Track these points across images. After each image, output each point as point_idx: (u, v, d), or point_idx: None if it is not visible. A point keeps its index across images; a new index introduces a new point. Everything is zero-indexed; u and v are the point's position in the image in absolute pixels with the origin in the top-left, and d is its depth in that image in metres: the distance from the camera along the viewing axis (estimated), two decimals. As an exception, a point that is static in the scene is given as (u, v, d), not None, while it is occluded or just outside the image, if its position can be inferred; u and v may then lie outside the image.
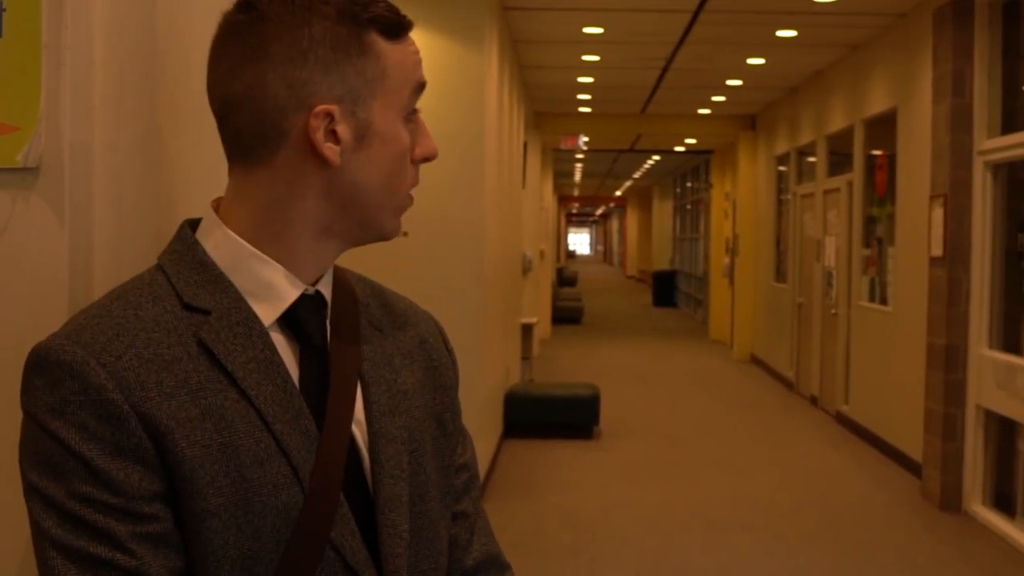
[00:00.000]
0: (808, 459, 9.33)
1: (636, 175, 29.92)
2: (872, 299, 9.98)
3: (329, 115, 1.25)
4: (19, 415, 1.19)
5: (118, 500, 1.13)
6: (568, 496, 7.89)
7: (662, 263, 31.19)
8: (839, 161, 11.38)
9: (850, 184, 10.64)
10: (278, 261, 1.29)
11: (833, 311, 11.14)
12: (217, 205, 1.32)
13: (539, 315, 15.79)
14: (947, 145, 7.46)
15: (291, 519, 1.22)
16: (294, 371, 1.29)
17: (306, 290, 1.31)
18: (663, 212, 32.21)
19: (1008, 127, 7.22)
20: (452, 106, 7.12)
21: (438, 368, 1.48)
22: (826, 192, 11.62)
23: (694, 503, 7.73)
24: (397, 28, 1.30)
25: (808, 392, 12.23)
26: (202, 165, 1.34)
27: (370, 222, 1.33)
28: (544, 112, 16.01)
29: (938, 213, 7.59)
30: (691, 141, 18.36)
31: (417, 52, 1.33)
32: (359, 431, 1.32)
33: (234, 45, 1.26)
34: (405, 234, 7.12)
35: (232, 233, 1.29)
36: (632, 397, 12.28)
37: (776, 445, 9.88)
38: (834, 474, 8.80)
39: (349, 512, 1.27)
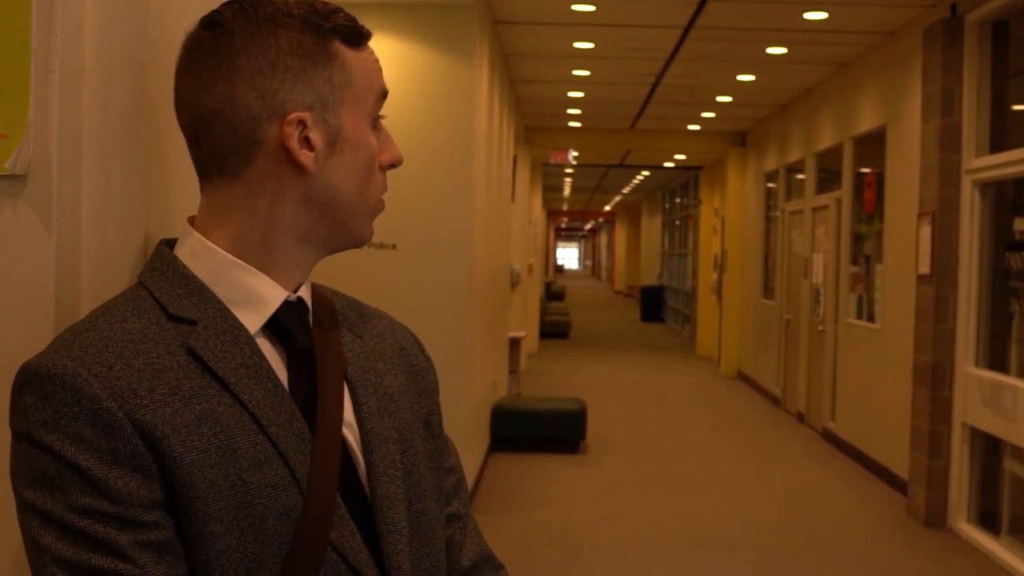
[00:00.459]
0: (794, 476, 9.33)
1: (625, 190, 29.96)
2: (859, 316, 10.00)
3: (302, 122, 1.27)
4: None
5: (118, 509, 1.13)
6: (554, 511, 7.87)
7: (650, 278, 31.22)
8: (828, 178, 11.41)
9: (838, 201, 10.67)
10: (259, 270, 1.30)
11: (820, 328, 11.16)
12: (192, 223, 1.33)
13: (527, 329, 15.79)
14: (935, 163, 7.48)
15: (292, 521, 1.22)
16: (282, 376, 1.30)
17: (288, 296, 1.32)
18: (652, 227, 32.24)
19: (996, 146, 7.25)
20: (442, 119, 7.13)
21: (419, 373, 1.50)
22: (814, 209, 11.64)
23: (680, 519, 7.72)
24: (358, 37, 1.33)
25: (795, 408, 12.24)
26: (190, 173, 1.34)
27: (346, 228, 1.35)
28: (534, 126, 16.03)
29: (926, 231, 7.61)
30: (680, 157, 18.39)
31: (377, 61, 1.37)
32: (350, 433, 1.34)
33: (201, 62, 1.28)
34: (394, 246, 7.14)
35: (212, 245, 1.30)
36: (619, 412, 12.28)
37: (762, 461, 9.88)
38: (820, 491, 8.80)
39: (347, 513, 1.28)
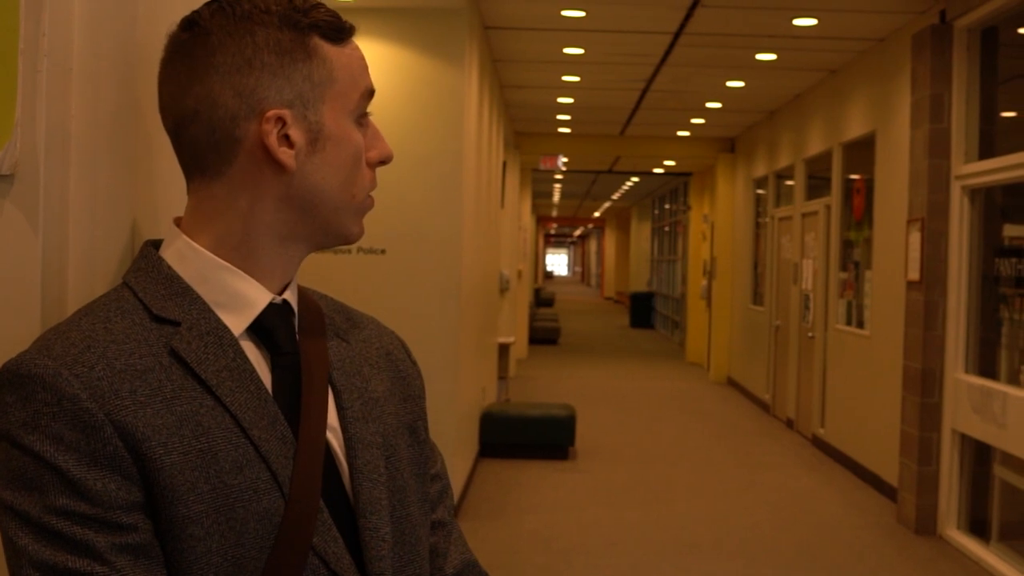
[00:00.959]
0: (783, 482, 9.33)
1: (615, 196, 30.00)
2: (849, 322, 10.01)
3: (281, 119, 1.26)
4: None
5: (96, 511, 1.11)
6: (543, 517, 7.86)
7: (640, 285, 31.26)
8: (817, 185, 11.43)
9: (828, 207, 10.69)
10: (243, 271, 1.30)
11: (810, 334, 11.17)
12: (178, 223, 1.32)
13: (516, 335, 15.78)
14: (925, 169, 7.50)
15: (273, 525, 1.21)
16: (266, 379, 1.29)
17: (273, 299, 1.31)
18: (641, 234, 32.28)
19: (985, 152, 7.26)
20: (431, 124, 7.13)
21: (405, 378, 1.49)
22: (804, 215, 11.66)
23: (669, 526, 7.71)
24: (339, 32, 1.32)
25: (784, 415, 12.24)
26: (178, 173, 1.33)
27: (332, 225, 1.33)
28: (524, 132, 16.04)
29: (915, 237, 7.62)
30: (670, 163, 18.42)
31: (362, 57, 1.35)
32: (334, 437, 1.32)
33: (180, 63, 1.28)
34: (383, 251, 7.12)
35: (197, 246, 1.29)
36: (608, 418, 12.27)
37: (752, 468, 9.88)
38: (809, 497, 8.80)
39: (330, 518, 1.27)
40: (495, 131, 10.67)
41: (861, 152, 9.67)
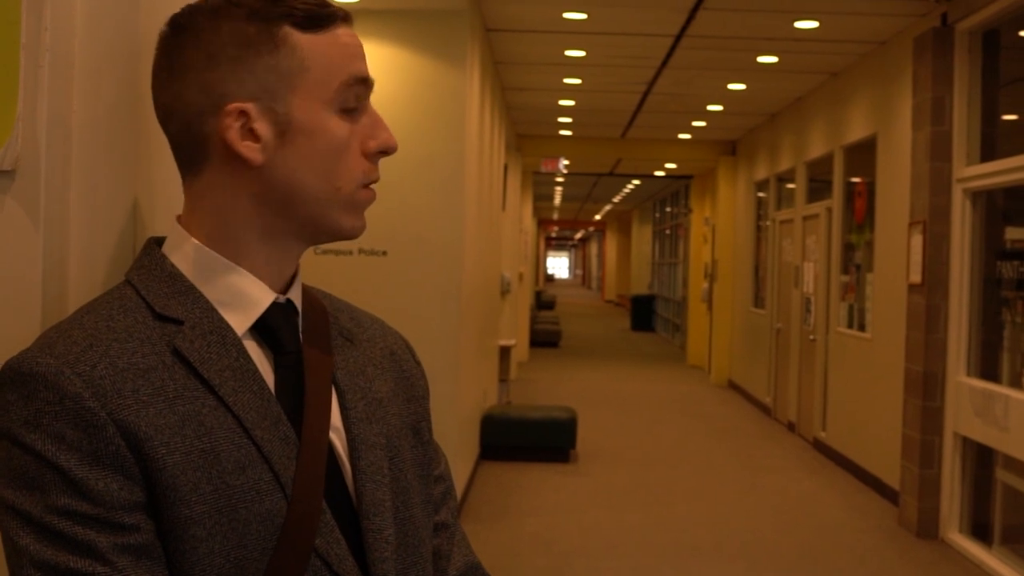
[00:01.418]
0: (785, 485, 9.31)
1: (616, 199, 30.00)
2: (850, 325, 10.00)
3: (243, 113, 1.24)
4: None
5: (98, 511, 1.10)
6: (544, 519, 7.85)
7: (641, 288, 31.24)
8: (818, 187, 11.43)
9: (829, 210, 10.68)
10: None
11: (811, 337, 11.16)
12: (179, 221, 1.31)
13: (517, 338, 15.77)
14: (926, 172, 7.49)
15: (275, 526, 1.20)
16: (269, 379, 1.27)
17: (277, 298, 1.30)
18: (642, 237, 32.27)
19: (987, 155, 7.26)
20: (433, 126, 7.12)
21: (409, 379, 1.48)
22: (805, 218, 11.65)
23: (670, 528, 7.70)
24: (316, 19, 1.27)
25: (785, 418, 12.23)
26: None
27: (317, 220, 1.30)
28: (525, 134, 16.04)
29: (917, 240, 7.61)
30: (671, 166, 18.42)
31: (352, 44, 1.30)
32: (337, 438, 1.31)
33: (163, 60, 1.28)
34: (384, 253, 7.12)
35: (200, 244, 1.28)
36: (609, 421, 12.26)
37: (753, 471, 9.87)
38: (811, 500, 8.79)
39: (332, 520, 1.25)
40: (496, 133, 10.67)
41: (862, 155, 9.66)
